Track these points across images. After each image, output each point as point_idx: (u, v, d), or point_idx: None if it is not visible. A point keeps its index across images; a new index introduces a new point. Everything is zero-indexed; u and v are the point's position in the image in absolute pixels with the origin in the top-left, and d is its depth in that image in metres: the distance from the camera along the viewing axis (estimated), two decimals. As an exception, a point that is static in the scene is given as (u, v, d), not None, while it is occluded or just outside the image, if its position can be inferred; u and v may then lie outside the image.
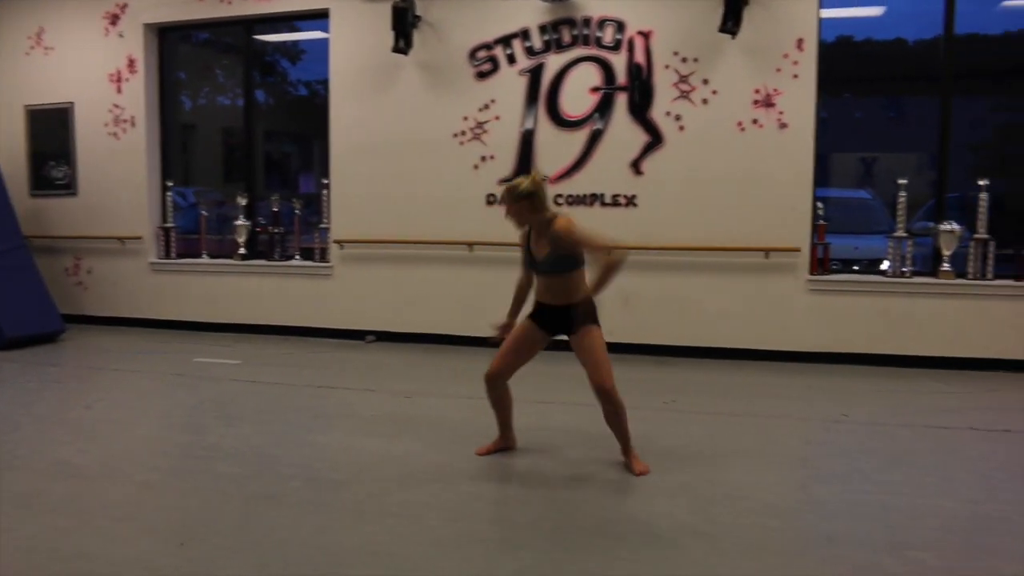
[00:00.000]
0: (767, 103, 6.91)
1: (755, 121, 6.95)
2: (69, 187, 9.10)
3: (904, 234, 6.91)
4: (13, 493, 4.17)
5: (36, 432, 5.24)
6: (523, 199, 4.23)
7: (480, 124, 7.58)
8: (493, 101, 7.55)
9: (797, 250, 6.92)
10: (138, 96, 8.77)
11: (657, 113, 7.18)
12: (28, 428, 5.33)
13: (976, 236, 6.75)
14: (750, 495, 4.04)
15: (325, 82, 8.36)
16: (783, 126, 6.89)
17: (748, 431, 5.14)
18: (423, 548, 3.43)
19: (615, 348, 7.28)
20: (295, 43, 10.69)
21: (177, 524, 3.77)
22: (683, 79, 7.10)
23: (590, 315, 4.34)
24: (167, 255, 8.93)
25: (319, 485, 4.21)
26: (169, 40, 9.02)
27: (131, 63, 8.76)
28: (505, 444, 4.71)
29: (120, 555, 3.44)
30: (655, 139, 7.20)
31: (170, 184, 8.96)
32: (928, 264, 7.07)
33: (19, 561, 3.41)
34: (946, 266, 6.79)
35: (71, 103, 9.01)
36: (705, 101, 7.07)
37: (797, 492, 4.26)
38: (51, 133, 9.12)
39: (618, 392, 4.28)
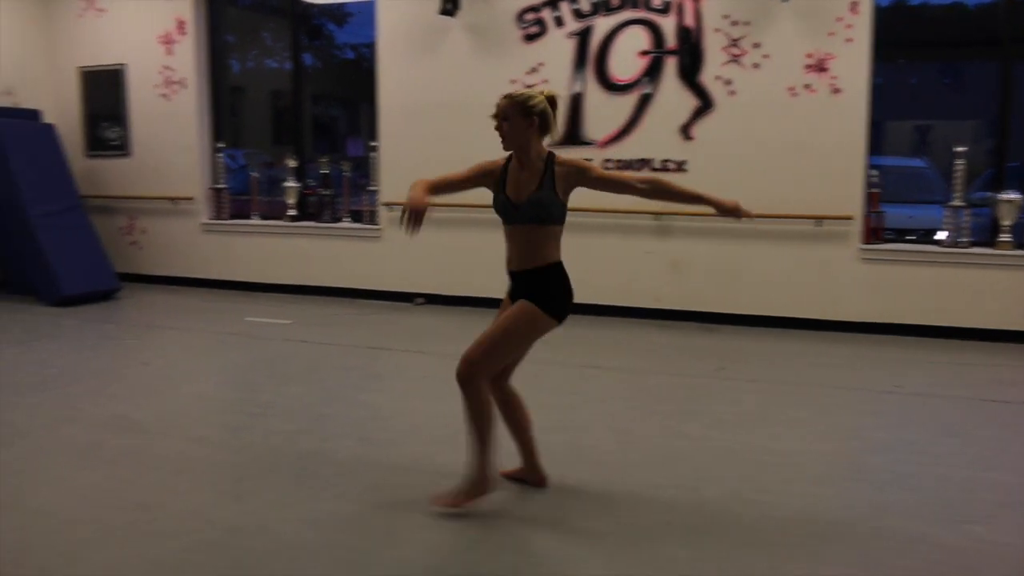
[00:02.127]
0: (820, 68, 6.77)
1: (807, 86, 6.82)
2: (122, 148, 9.23)
3: (961, 204, 6.76)
4: (75, 444, 4.29)
5: (95, 387, 5.38)
6: (535, 115, 3.35)
7: (528, 87, 7.52)
8: (541, 64, 7.50)
9: (850, 218, 6.81)
10: (188, 58, 8.84)
11: (707, 77, 7.08)
12: (88, 382, 5.47)
13: (1037, 205, 6.60)
14: (800, 463, 4.03)
15: (371, 45, 8.36)
16: (836, 91, 6.75)
17: (798, 400, 5.10)
18: (483, 502, 3.48)
19: (662, 315, 7.35)
20: (340, 6, 10.68)
21: (232, 478, 3.86)
22: (734, 43, 6.98)
23: (551, 293, 3.38)
24: (218, 216, 9.04)
25: (370, 444, 4.28)
26: (217, 2, 9.07)
27: (180, 25, 8.82)
28: (522, 474, 3.78)
29: (178, 506, 3.53)
30: (705, 104, 7.10)
31: (221, 146, 9.05)
32: (986, 235, 6.91)
33: (81, 509, 3.52)
34: (1005, 236, 6.64)
35: (123, 64, 9.10)
36: (756, 65, 6.94)
37: (848, 462, 4.23)
38: (104, 94, 9.24)
39: (480, 386, 3.34)
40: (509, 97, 3.40)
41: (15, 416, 4.74)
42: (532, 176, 3.40)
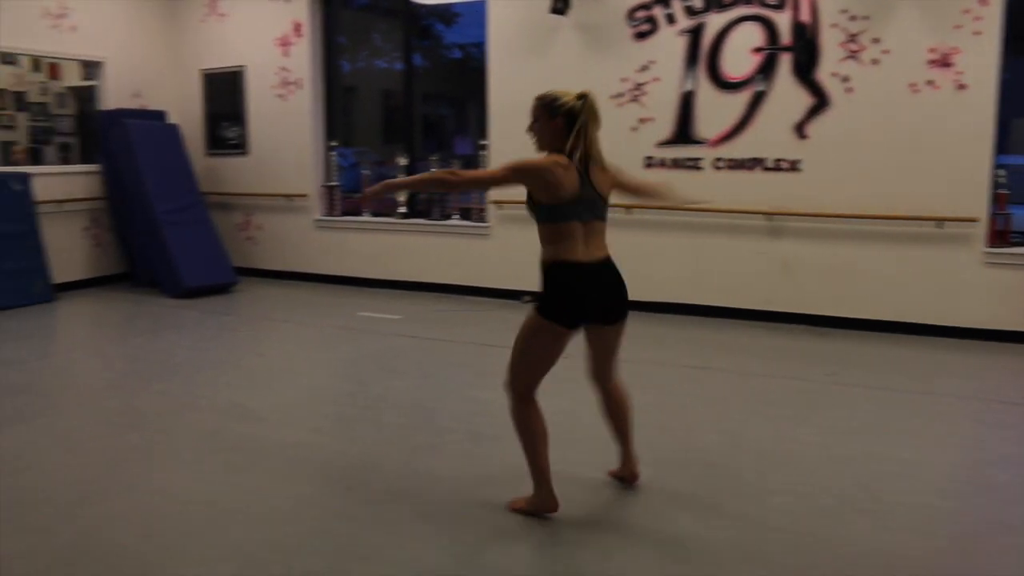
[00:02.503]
0: (944, 63, 6.51)
1: (930, 82, 6.56)
2: (240, 147, 9.57)
3: (1096, 205, 6.42)
4: (197, 430, 4.48)
5: (215, 376, 5.60)
6: (560, 115, 3.30)
7: (639, 86, 7.48)
8: (652, 62, 7.43)
9: (974, 220, 6.53)
10: (303, 59, 9.09)
11: (823, 74, 6.88)
12: (208, 372, 5.70)
13: None
14: (918, 474, 3.89)
15: (479, 45, 8.43)
16: (961, 87, 6.47)
17: (916, 408, 4.92)
18: (586, 503, 3.48)
19: (772, 317, 7.19)
20: (449, 6, 10.81)
21: (344, 469, 3.96)
22: (852, 38, 6.77)
23: (544, 294, 3.28)
24: (331, 212, 9.28)
25: (479, 439, 4.33)
26: (332, 4, 9.30)
27: (297, 27, 9.08)
28: (620, 471, 3.74)
29: (293, 493, 3.65)
30: (821, 101, 6.91)
31: (333, 144, 9.28)
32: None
33: (202, 492, 3.68)
34: None
35: (243, 66, 9.43)
36: (875, 61, 6.72)
37: (970, 474, 4.06)
38: (225, 95, 9.59)
39: (515, 403, 3.38)
40: (538, 98, 3.37)
41: (141, 402, 4.98)
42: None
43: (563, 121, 3.28)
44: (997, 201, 6.58)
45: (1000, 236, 6.58)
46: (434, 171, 3.37)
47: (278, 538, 3.21)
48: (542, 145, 3.38)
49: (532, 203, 3.29)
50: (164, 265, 8.43)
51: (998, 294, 6.54)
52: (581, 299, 3.26)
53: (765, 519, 3.40)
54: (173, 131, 9.11)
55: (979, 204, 6.52)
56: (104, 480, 3.81)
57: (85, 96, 9.78)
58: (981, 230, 6.54)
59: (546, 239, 3.28)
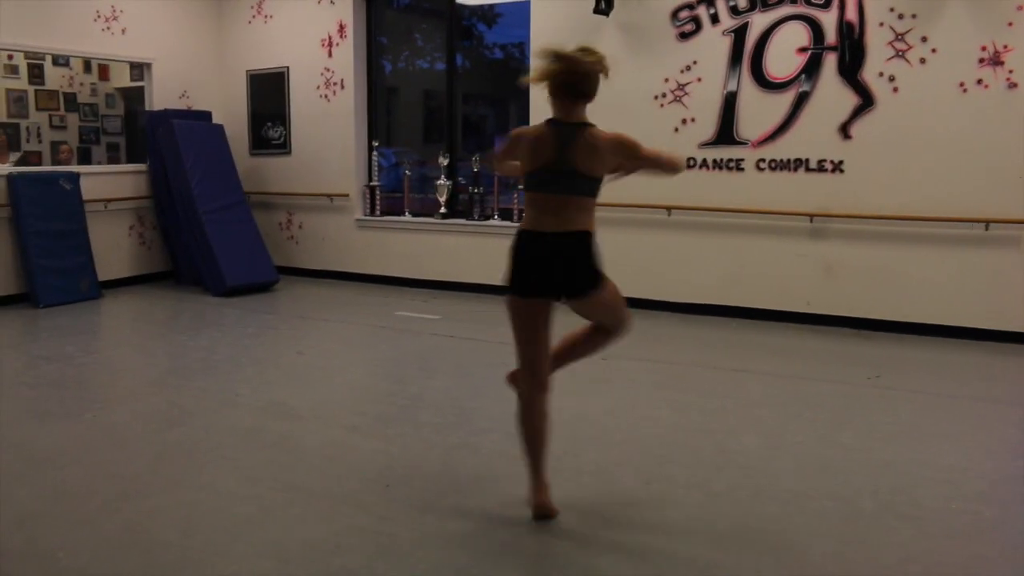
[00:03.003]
0: (995, 61, 6.38)
1: (979, 81, 6.44)
2: (284, 147, 9.68)
3: None
4: (238, 427, 4.54)
5: (255, 374, 5.67)
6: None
7: (681, 86, 7.43)
8: (695, 62, 7.38)
9: (1022, 222, 6.40)
10: (347, 60, 9.17)
11: (869, 74, 6.78)
12: (248, 369, 5.77)
13: None
14: (960, 480, 3.82)
15: (520, 45, 8.44)
16: (1012, 86, 6.34)
17: (959, 413, 4.84)
18: (618, 505, 3.47)
19: (814, 319, 7.11)
20: (491, 7, 10.81)
21: (383, 467, 3.98)
22: (899, 37, 6.67)
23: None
24: (372, 212, 9.34)
25: (516, 439, 4.31)
26: (376, 5, 9.37)
27: (341, 28, 9.16)
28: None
29: (332, 491, 3.68)
30: (866, 101, 6.82)
31: (375, 144, 9.35)
32: None
33: (243, 488, 3.73)
34: None
35: (287, 67, 9.54)
36: (923, 60, 6.61)
37: (1015, 483, 3.97)
38: (269, 96, 9.71)
39: (518, 391, 3.52)
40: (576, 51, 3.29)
41: (184, 399, 5.06)
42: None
43: (550, 86, 3.21)
44: (1047, 203, 6.44)
45: (1050, 239, 6.44)
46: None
47: (316, 536, 3.24)
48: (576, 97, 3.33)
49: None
50: (207, 264, 8.55)
51: (1048, 298, 6.40)
52: (520, 268, 3.28)
53: (804, 524, 3.36)
54: (218, 131, 9.25)
55: (1028, 206, 6.40)
56: (147, 476, 3.88)
57: (133, 97, 9.99)
58: (1030, 233, 6.41)
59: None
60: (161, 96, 9.26)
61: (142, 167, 9.19)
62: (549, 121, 3.26)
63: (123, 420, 4.70)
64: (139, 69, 9.39)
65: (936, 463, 4.02)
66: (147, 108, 9.28)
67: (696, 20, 7.35)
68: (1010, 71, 6.32)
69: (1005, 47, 6.32)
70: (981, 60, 6.41)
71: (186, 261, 8.99)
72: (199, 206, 8.56)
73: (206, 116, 9.39)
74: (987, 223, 6.47)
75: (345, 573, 2.96)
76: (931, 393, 5.22)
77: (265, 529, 3.31)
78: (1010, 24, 6.28)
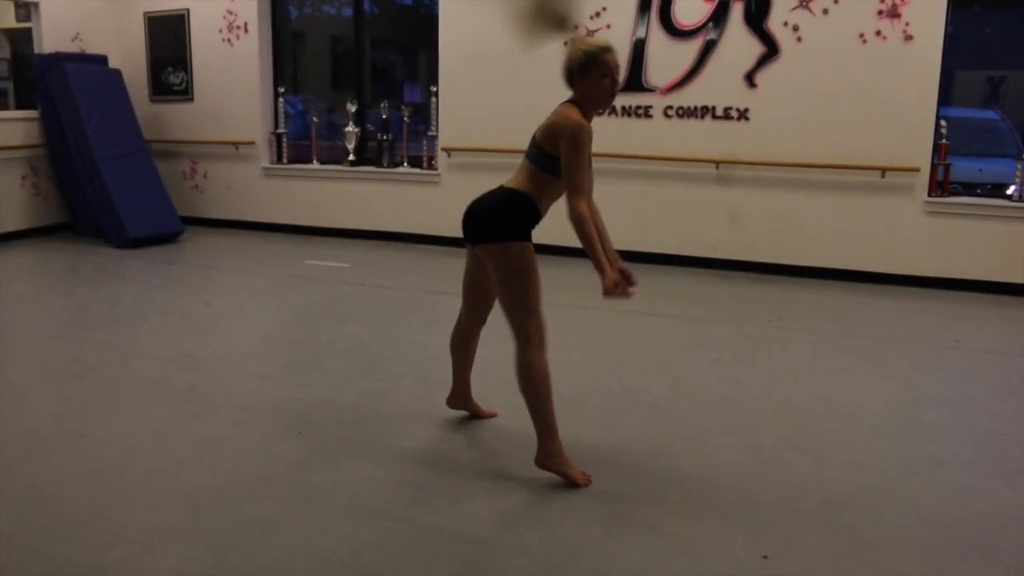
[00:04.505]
0: (892, 13, 6.57)
1: (878, 33, 6.63)
2: (186, 93, 9.36)
3: (1033, 156, 6.58)
4: (144, 379, 4.45)
5: (161, 325, 5.54)
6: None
7: (590, 32, 7.44)
8: (604, 9, 7.39)
9: (916, 170, 6.66)
10: (250, 3, 8.88)
11: (774, 23, 6.91)
12: (154, 321, 5.63)
13: (1113, 159, 6.37)
14: (855, 415, 4.01)
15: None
16: (908, 38, 6.55)
17: (855, 353, 5.06)
18: (529, 447, 3.54)
19: (719, 264, 7.29)
20: (399, -50, 10.59)
21: (294, 415, 3.96)
22: (804, -13, 6.81)
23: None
24: (279, 160, 9.15)
25: (428, 384, 4.35)
26: (281, -54, 9.10)
27: (244, -31, 8.87)
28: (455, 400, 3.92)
29: (243, 440, 3.65)
30: (771, 50, 6.95)
31: (281, 91, 9.12)
32: (1057, 188, 6.72)
33: (152, 440, 3.67)
34: (1077, 191, 6.45)
35: (187, 9, 9.18)
36: (826, 11, 6.76)
37: (904, 415, 4.20)
38: (169, 39, 9.35)
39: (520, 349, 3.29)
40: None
41: (86, 351, 4.93)
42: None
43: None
44: (939, 152, 6.71)
45: (940, 186, 6.73)
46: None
47: (229, 485, 3.22)
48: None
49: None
50: (107, 214, 8.26)
51: (938, 243, 6.71)
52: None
53: (708, 458, 3.49)
54: (115, 76, 8.87)
55: (922, 155, 6.66)
56: (50, 431, 3.77)
57: (19, 39, 9.47)
58: (923, 180, 6.69)
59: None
60: (51, 39, 8.81)
61: (33, 114, 8.76)
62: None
63: (22, 376, 4.56)
64: (25, 9, 8.90)
65: (833, 400, 4.21)
66: (36, 51, 8.82)
67: (606, -33, 7.35)
68: (906, 23, 6.52)
69: (902, 0, 6.50)
70: (880, 12, 6.59)
71: (84, 212, 8.67)
72: (97, 154, 8.23)
73: (101, 60, 8.99)
74: (883, 171, 6.72)
75: (260, 520, 2.95)
76: (828, 334, 5.45)
77: (176, 480, 3.27)
78: (907, -24, 6.46)
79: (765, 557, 2.74)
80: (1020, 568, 2.73)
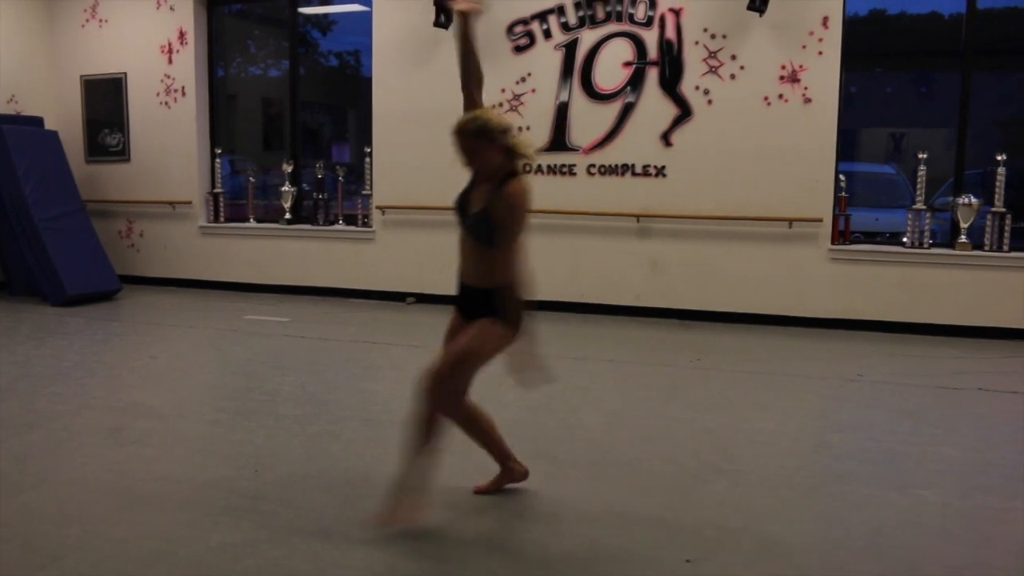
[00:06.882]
0: (792, 79, 7.18)
1: (781, 96, 7.23)
2: (122, 154, 9.54)
3: (923, 207, 7.19)
4: (98, 427, 4.62)
5: (109, 378, 5.70)
6: (493, 138, 3.31)
7: (517, 96, 7.92)
8: (529, 74, 7.88)
9: (819, 220, 7.23)
10: (188, 67, 9.16)
11: (687, 87, 7.48)
12: (102, 374, 5.79)
13: (993, 209, 7.02)
14: (768, 440, 4.42)
15: (355, 53, 8.70)
16: (808, 101, 7.17)
17: (768, 387, 5.50)
18: (470, 473, 3.83)
19: (643, 312, 7.73)
20: (326, 15, 10.99)
21: (249, 455, 4.19)
22: (712, 55, 7.38)
23: (507, 310, 3.38)
24: (216, 219, 9.36)
25: (374, 425, 4.63)
26: (215, 13, 9.40)
27: (182, 35, 9.15)
28: (510, 477, 3.73)
29: (203, 479, 3.87)
30: (685, 112, 7.50)
31: (218, 151, 9.36)
32: (948, 237, 7.35)
33: (113, 481, 3.85)
34: (963, 238, 7.07)
35: (124, 73, 9.41)
36: (733, 76, 7.35)
37: (812, 439, 4.64)
38: (106, 102, 9.55)
39: (453, 400, 3.42)
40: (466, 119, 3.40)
41: (38, 404, 5.05)
42: (484, 192, 3.37)
43: (494, 143, 3.32)
44: (839, 204, 7.30)
45: (842, 235, 7.31)
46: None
47: (194, 517, 3.43)
48: (474, 164, 3.37)
49: (499, 228, 3.29)
50: (45, 273, 8.35)
51: (841, 287, 7.26)
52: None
53: (638, 482, 3.84)
54: (52, 137, 9.02)
55: (824, 206, 7.23)
56: (13, 476, 3.91)
57: (-45, 101, 9.55)
58: (826, 230, 7.26)
59: (506, 263, 3.36)
60: (-13, 101, 8.96)
61: (-33, 175, 8.83)
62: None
63: (-24, 426, 4.67)
64: (-41, 72, 9.03)
65: (749, 428, 4.61)
66: (-29, 113, 8.94)
67: (530, 35, 7.85)
68: (805, 88, 7.14)
69: (801, 66, 7.13)
70: (781, 77, 7.20)
71: (20, 272, 8.73)
72: (35, 215, 8.34)
73: (38, 122, 9.14)
74: (790, 222, 7.27)
75: (228, 547, 3.18)
76: (744, 371, 5.89)
77: (142, 514, 3.47)
78: (804, 47, 7.10)
79: (688, 561, 3.08)
80: (907, 561, 3.12)
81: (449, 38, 8.00)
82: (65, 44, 9.62)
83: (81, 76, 9.58)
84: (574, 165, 7.83)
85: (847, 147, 7.35)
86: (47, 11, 9.55)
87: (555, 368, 5.81)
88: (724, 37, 7.34)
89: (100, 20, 9.41)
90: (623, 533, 3.31)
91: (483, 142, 3.29)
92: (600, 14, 7.64)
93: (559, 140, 7.84)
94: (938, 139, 12.05)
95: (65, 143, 9.18)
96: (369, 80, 8.60)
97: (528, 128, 7.87)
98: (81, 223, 8.85)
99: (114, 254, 9.38)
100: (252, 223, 9.30)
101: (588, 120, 7.76)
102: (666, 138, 7.56)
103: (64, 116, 9.64)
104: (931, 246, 7.19)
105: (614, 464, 4.07)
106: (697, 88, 7.45)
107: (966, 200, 7.07)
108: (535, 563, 3.09)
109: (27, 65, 9.40)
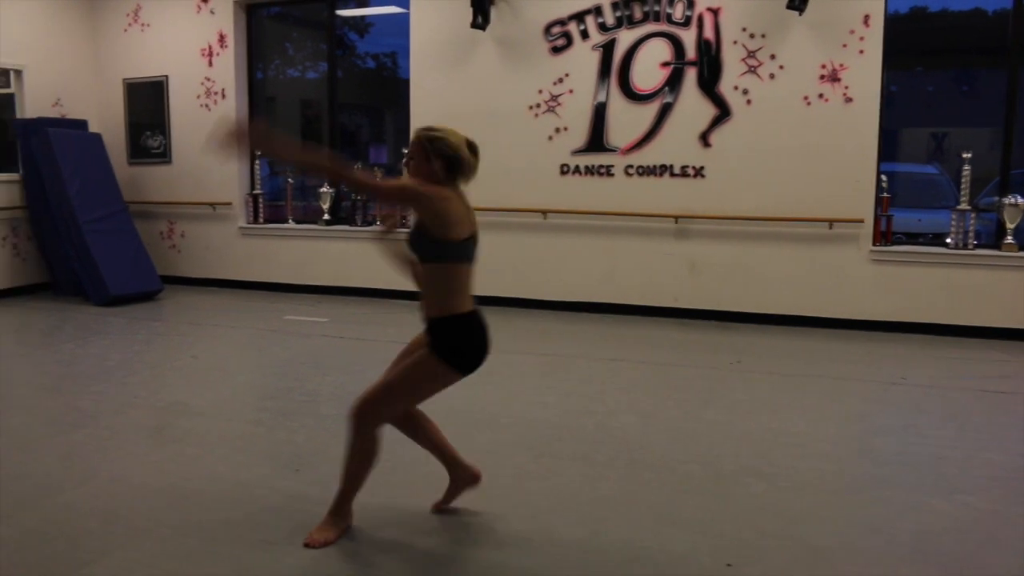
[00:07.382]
0: (833, 78, 7.11)
1: (821, 95, 7.16)
2: (164, 156, 9.67)
3: (968, 207, 7.08)
4: (142, 426, 4.70)
5: (152, 377, 5.79)
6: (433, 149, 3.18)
7: (554, 97, 7.91)
8: (567, 75, 7.87)
9: (861, 221, 7.14)
10: (228, 69, 9.26)
11: (725, 87, 7.42)
12: (144, 374, 5.88)
13: (1041, 209, 6.89)
14: (808, 444, 4.37)
15: (392, 55, 8.73)
16: (848, 100, 7.08)
17: (809, 390, 5.45)
18: (510, 476, 3.84)
19: (681, 313, 7.69)
20: (363, 17, 11.04)
21: (290, 454, 4.24)
22: (751, 54, 7.32)
23: (443, 347, 3.17)
24: (256, 220, 9.46)
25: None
26: (255, 15, 9.51)
27: (222, 38, 9.25)
28: (456, 486, 3.57)
29: (245, 478, 3.91)
30: (723, 112, 7.45)
31: (258, 153, 9.46)
32: (993, 238, 7.22)
33: (156, 479, 3.91)
34: (1009, 239, 6.95)
35: (166, 76, 9.54)
36: (772, 76, 7.29)
37: (853, 443, 4.58)
38: (147, 105, 9.68)
39: (373, 430, 3.30)
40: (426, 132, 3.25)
41: (82, 402, 5.14)
42: None
43: (444, 164, 3.19)
44: (881, 204, 7.21)
45: (884, 236, 7.21)
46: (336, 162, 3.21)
47: (235, 516, 3.47)
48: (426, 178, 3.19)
49: (428, 240, 3.14)
50: (88, 274, 8.49)
51: (883, 288, 7.17)
52: (483, 351, 3.25)
53: (674, 485, 3.82)
54: (95, 140, 9.18)
55: (865, 207, 7.15)
56: (59, 473, 3.99)
57: (2, 104, 9.74)
58: (867, 230, 7.17)
59: (443, 287, 3.18)
60: (33, 104, 9.11)
61: (14, 176, 9.02)
62: (453, 183, 3.25)
63: (23, 424, 4.76)
64: (5, 75, 9.19)
65: (787, 431, 4.57)
66: (17, 116, 9.10)
67: (567, 35, 7.84)
68: (846, 87, 7.06)
69: (841, 65, 7.05)
70: (822, 76, 7.12)
71: (65, 272, 8.88)
72: (79, 216, 8.49)
73: (82, 125, 9.31)
74: (831, 222, 7.19)
75: (269, 545, 3.21)
76: (784, 374, 5.84)
77: (184, 512, 3.52)
78: (844, 45, 7.02)
79: (729, 565, 3.06)
80: (952, 569, 3.08)
81: (487, 39, 8.03)
82: (108, 48, 9.77)
83: (124, 79, 9.72)
84: (612, 166, 7.81)
85: (888, 147, 7.25)
86: (91, 17, 9.71)
87: (593, 370, 5.85)
88: (763, 36, 7.27)
89: (142, 24, 9.55)
90: (662, 535, 3.30)
91: (422, 152, 3.19)
92: (638, 14, 7.61)
93: (597, 141, 7.82)
94: (981, 138, 11.86)
95: (108, 145, 9.34)
96: (406, 82, 8.64)
97: (566, 129, 7.86)
98: (124, 224, 8.99)
99: (156, 255, 9.51)
100: (291, 224, 9.38)
101: (626, 121, 7.73)
102: (705, 138, 7.51)
103: (107, 119, 9.80)
104: (976, 247, 7.07)
105: (652, 466, 4.05)
106: (736, 88, 7.39)
107: (1012, 200, 6.94)
108: (573, 563, 3.09)
109: (72, 69, 9.56)
